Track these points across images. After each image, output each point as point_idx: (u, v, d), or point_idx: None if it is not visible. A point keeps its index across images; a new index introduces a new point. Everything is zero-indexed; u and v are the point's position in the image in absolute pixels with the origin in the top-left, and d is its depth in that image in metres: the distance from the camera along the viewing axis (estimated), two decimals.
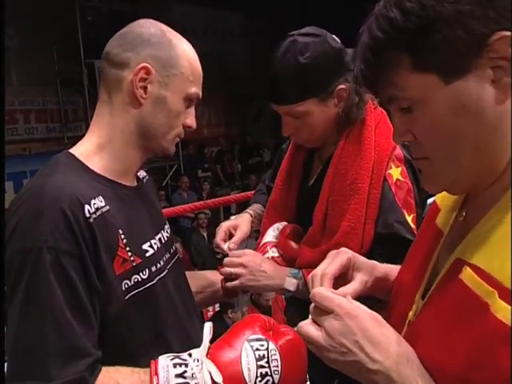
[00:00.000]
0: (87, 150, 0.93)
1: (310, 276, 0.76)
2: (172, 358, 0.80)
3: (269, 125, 8.22)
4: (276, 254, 1.29)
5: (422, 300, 0.69)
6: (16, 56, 7.04)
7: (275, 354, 0.79)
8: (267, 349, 0.79)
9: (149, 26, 0.95)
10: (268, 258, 1.28)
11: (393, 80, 0.60)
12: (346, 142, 1.23)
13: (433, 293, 0.65)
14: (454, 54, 0.55)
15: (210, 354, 0.79)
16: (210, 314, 4.36)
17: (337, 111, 1.21)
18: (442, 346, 0.58)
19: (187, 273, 1.16)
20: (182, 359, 0.79)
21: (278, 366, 0.78)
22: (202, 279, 1.25)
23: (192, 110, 1.01)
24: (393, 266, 0.95)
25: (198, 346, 0.81)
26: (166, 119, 0.95)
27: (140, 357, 0.87)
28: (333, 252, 0.81)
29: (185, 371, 0.77)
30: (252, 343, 0.79)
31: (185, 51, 0.96)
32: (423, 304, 0.67)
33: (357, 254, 0.82)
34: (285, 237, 1.31)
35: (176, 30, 0.99)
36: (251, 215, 1.49)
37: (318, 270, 0.76)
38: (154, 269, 0.95)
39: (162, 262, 0.99)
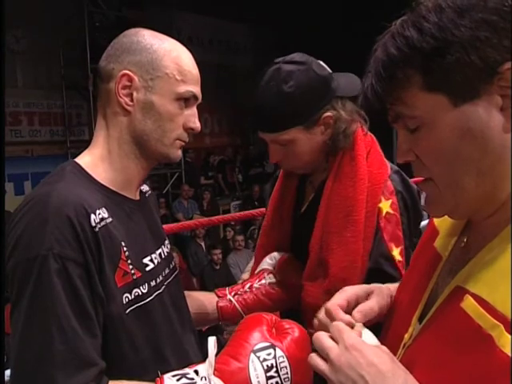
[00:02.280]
0: (91, 161, 0.93)
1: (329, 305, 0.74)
2: (179, 377, 0.78)
3: None
4: (273, 280, 1.27)
5: (418, 323, 0.68)
6: (22, 58, 7.09)
7: (284, 361, 0.77)
8: (275, 357, 0.77)
9: (132, 35, 0.94)
10: (265, 283, 1.27)
11: (402, 97, 0.60)
12: (337, 171, 1.21)
13: (431, 318, 0.65)
14: (465, 78, 0.56)
15: (216, 370, 0.78)
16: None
17: (323, 139, 1.19)
18: (441, 374, 0.58)
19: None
20: (189, 378, 0.77)
21: (287, 373, 0.77)
22: (194, 301, 1.22)
23: (193, 112, 0.97)
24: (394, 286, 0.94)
25: (195, 362, 0.80)
26: (158, 123, 0.93)
27: (138, 373, 0.86)
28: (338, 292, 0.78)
29: None
30: (258, 353, 0.77)
31: (168, 52, 0.93)
32: (421, 328, 0.66)
33: (371, 286, 0.80)
34: (283, 264, 1.30)
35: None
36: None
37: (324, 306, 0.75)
38: (153, 283, 0.94)
39: (161, 277, 0.98)
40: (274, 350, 0.78)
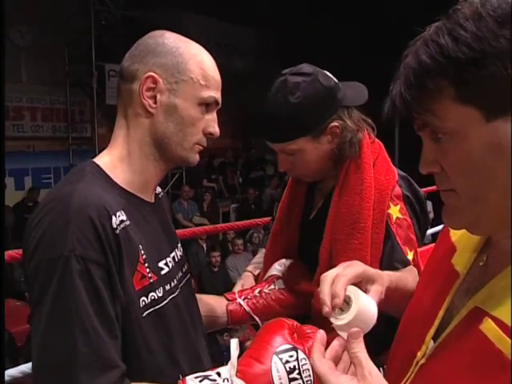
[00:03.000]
0: (109, 162, 0.92)
1: (323, 275, 0.74)
2: (201, 379, 0.77)
3: None
4: (282, 286, 1.28)
5: (433, 342, 0.67)
6: (27, 54, 7.10)
7: (306, 364, 0.77)
8: (297, 359, 0.77)
9: (158, 36, 0.94)
10: (274, 288, 1.28)
11: (432, 108, 0.58)
12: (344, 180, 1.23)
13: (447, 338, 0.63)
14: (500, 92, 0.54)
15: (239, 372, 0.77)
16: None
17: (331, 147, 1.21)
18: None
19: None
20: (211, 379, 0.77)
21: (310, 376, 0.76)
22: (204, 304, 1.21)
23: (213, 117, 0.97)
24: (398, 274, 0.94)
25: (206, 365, 0.79)
26: (180, 127, 0.93)
27: (153, 377, 0.86)
28: (344, 263, 0.79)
29: None
30: (281, 355, 0.77)
31: (193, 56, 0.93)
32: (435, 347, 0.65)
33: (368, 267, 0.81)
34: (291, 270, 1.30)
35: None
36: (253, 273, 1.48)
37: (334, 271, 0.74)
38: (167, 287, 0.94)
39: (175, 281, 0.98)
40: (297, 352, 0.78)
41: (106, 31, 7.44)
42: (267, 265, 1.39)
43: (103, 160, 0.93)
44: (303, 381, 0.75)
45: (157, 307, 0.89)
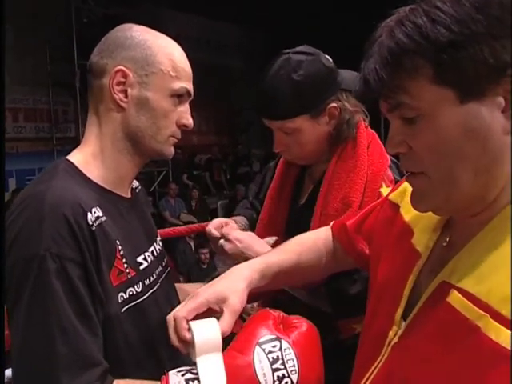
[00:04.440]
0: (83, 159, 0.92)
1: (167, 318, 0.82)
2: (183, 372, 0.76)
3: (258, 136, 8.21)
4: None
5: (403, 321, 0.68)
6: (8, 54, 6.99)
7: (290, 353, 0.75)
8: (280, 349, 0.75)
9: (126, 30, 0.93)
10: None
11: (407, 87, 0.59)
12: (339, 158, 1.25)
13: (417, 315, 0.65)
14: (476, 75, 0.55)
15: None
16: None
17: (328, 129, 1.23)
18: (432, 369, 0.59)
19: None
20: (194, 373, 0.76)
21: (294, 366, 0.74)
22: (186, 294, 1.22)
23: (186, 108, 0.97)
24: (275, 260, 0.97)
25: (187, 360, 0.79)
26: (153, 120, 0.92)
27: (134, 373, 0.86)
28: (189, 296, 0.85)
29: None
30: (263, 346, 0.75)
31: (162, 47, 0.92)
32: (407, 325, 0.67)
33: (225, 292, 0.84)
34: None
35: (169, 37, 0.97)
36: (234, 220, 1.48)
37: (171, 314, 0.81)
38: (147, 282, 0.94)
39: (154, 276, 0.98)
40: (280, 342, 0.76)
41: (87, 29, 7.35)
42: None
43: (76, 157, 0.92)
44: (287, 371, 0.74)
45: (135, 302, 0.89)
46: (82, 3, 7.27)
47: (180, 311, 0.81)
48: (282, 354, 0.75)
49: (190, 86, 0.96)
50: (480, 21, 0.54)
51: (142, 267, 0.94)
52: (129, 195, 1.00)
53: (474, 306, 0.56)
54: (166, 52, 0.93)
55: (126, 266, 0.88)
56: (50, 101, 7.68)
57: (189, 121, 0.97)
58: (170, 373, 0.77)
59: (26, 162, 7.19)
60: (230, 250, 1.24)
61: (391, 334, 0.69)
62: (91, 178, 0.90)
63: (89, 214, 0.82)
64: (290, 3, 8.09)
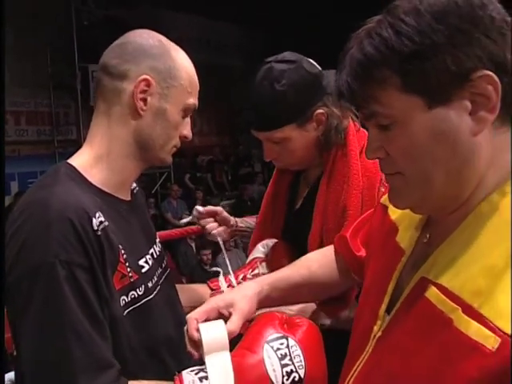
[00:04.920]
0: (86, 162, 0.91)
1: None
2: (196, 371, 0.79)
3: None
4: (266, 271, 1.27)
5: (387, 315, 0.72)
6: (9, 56, 7.01)
7: (296, 350, 0.80)
8: (287, 346, 0.80)
9: (147, 37, 0.94)
10: (258, 273, 1.27)
11: (378, 96, 0.61)
12: (332, 168, 1.24)
13: (399, 309, 0.69)
14: (440, 82, 0.58)
15: (233, 363, 0.79)
16: None
17: (316, 135, 1.21)
18: (411, 360, 0.62)
19: (177, 286, 1.14)
20: (206, 372, 0.78)
21: (301, 361, 0.79)
22: (190, 293, 1.23)
23: (188, 121, 1.00)
24: (279, 275, 1.00)
25: (191, 359, 0.82)
26: (165, 130, 0.94)
27: (137, 375, 0.86)
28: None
29: None
30: (272, 343, 0.80)
31: (183, 62, 0.95)
32: (389, 319, 0.70)
33: (234, 297, 0.89)
34: (277, 253, 1.29)
35: (169, 38, 0.98)
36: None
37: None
38: (150, 284, 0.94)
39: (155, 278, 0.98)
40: (287, 339, 0.80)
41: (87, 32, 7.37)
42: (253, 250, 1.38)
43: (79, 160, 0.92)
44: (295, 366, 0.78)
45: (137, 305, 0.90)
46: (81, 5, 7.28)
47: (192, 313, 0.85)
48: (289, 350, 0.79)
49: (197, 101, 0.99)
50: (441, 31, 0.57)
51: (143, 270, 0.94)
52: (129, 198, 1.00)
53: (448, 300, 0.59)
54: (185, 66, 0.96)
55: (128, 269, 0.89)
56: (52, 103, 7.70)
57: (189, 132, 1.00)
58: (184, 372, 0.79)
59: (27, 165, 7.21)
60: None
61: (376, 328, 0.73)
62: (92, 181, 0.90)
63: (93, 219, 0.82)
64: (289, 3, 8.09)
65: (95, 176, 0.91)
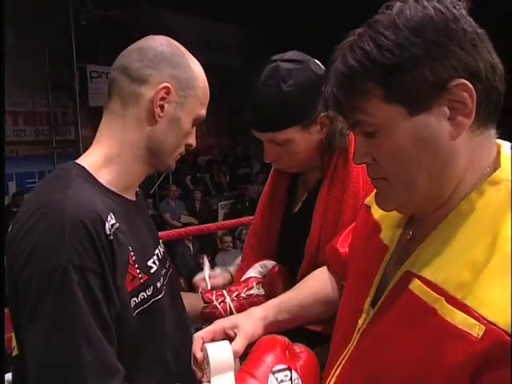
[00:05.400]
0: (95, 163, 0.91)
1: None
2: None
3: (257, 137, 8.16)
4: (262, 292, 1.25)
5: (372, 308, 0.75)
6: (7, 56, 6.99)
7: (298, 383, 0.82)
8: (291, 379, 0.81)
9: (167, 45, 0.95)
10: (253, 294, 1.25)
11: (362, 107, 0.65)
12: (333, 173, 1.21)
13: (384, 302, 0.72)
14: (420, 92, 0.62)
15: None
16: None
17: (319, 138, 1.18)
18: (395, 350, 0.65)
19: None
20: None
21: None
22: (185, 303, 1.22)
23: (194, 130, 1.02)
24: (285, 297, 1.03)
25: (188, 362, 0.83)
26: (177, 138, 0.96)
27: (143, 375, 0.87)
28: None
29: None
30: (276, 375, 0.81)
31: (200, 74, 0.98)
32: (374, 312, 0.73)
33: (238, 319, 0.94)
34: (274, 277, 1.27)
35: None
36: (231, 275, 1.46)
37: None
38: (158, 285, 0.95)
39: (162, 279, 0.99)
40: (291, 372, 0.82)
41: (86, 32, 7.36)
42: (246, 257, 1.37)
43: (88, 161, 0.91)
44: None
45: (146, 305, 0.90)
46: (80, 5, 7.27)
47: (199, 332, 0.90)
48: (292, 383, 0.81)
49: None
50: (418, 44, 0.61)
51: (152, 271, 0.94)
52: (134, 198, 1.01)
53: (431, 291, 0.63)
54: (202, 78, 0.98)
55: (138, 271, 0.89)
56: (50, 104, 7.68)
57: (194, 141, 1.03)
58: None
59: (25, 166, 7.20)
60: None
61: (360, 321, 0.76)
62: (102, 182, 0.90)
63: (106, 223, 0.82)
64: (289, 3, 8.09)
65: (104, 177, 0.91)
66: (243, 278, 1.30)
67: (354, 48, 0.65)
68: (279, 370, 0.81)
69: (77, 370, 0.75)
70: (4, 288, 0.77)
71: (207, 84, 1.00)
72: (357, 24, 0.69)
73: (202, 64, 0.99)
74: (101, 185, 0.89)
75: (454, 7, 0.63)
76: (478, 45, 0.63)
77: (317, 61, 1.19)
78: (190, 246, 6.43)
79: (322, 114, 1.15)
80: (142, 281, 0.89)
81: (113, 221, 0.84)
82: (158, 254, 1.01)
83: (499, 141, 0.70)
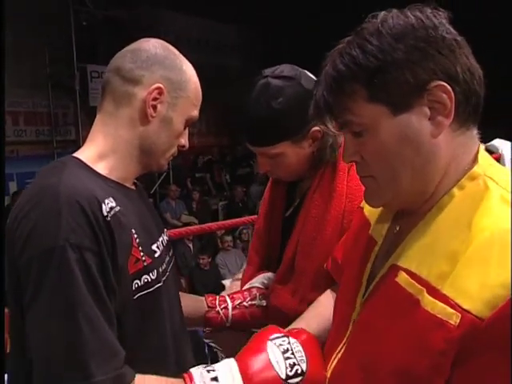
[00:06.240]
0: (90, 157, 0.93)
1: None
2: (203, 367, 0.86)
3: None
4: (263, 303, 1.27)
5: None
6: (7, 56, 6.99)
7: (298, 346, 0.86)
8: (289, 343, 0.86)
9: (161, 47, 0.97)
10: (255, 304, 1.27)
11: (350, 107, 0.70)
12: (319, 184, 1.24)
13: (371, 294, 0.77)
14: (402, 92, 0.67)
15: (237, 361, 0.86)
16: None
17: (311, 151, 1.21)
18: (384, 340, 0.69)
19: None
20: (211, 370, 0.85)
21: (302, 356, 0.85)
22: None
23: (187, 131, 1.04)
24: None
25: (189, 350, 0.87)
26: (168, 138, 0.98)
27: (142, 364, 0.86)
28: None
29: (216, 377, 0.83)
30: (274, 341, 0.86)
31: (192, 76, 1.00)
32: (363, 304, 0.78)
33: None
34: (276, 289, 1.27)
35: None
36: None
37: None
38: (161, 270, 0.96)
39: (165, 265, 1.00)
40: (288, 338, 0.88)
41: (86, 32, 7.36)
42: (251, 261, 1.40)
43: (84, 155, 0.93)
44: (297, 359, 0.84)
45: (150, 289, 0.91)
46: (80, 5, 7.27)
47: None
48: (291, 346, 0.86)
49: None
50: (400, 49, 0.66)
51: (156, 255, 0.96)
52: (133, 187, 1.03)
53: (415, 283, 0.67)
54: (194, 80, 1.00)
55: (142, 254, 0.90)
56: (50, 104, 7.68)
57: (186, 142, 1.05)
58: (191, 369, 0.86)
59: (26, 166, 7.20)
60: None
61: (354, 314, 0.80)
62: (100, 172, 0.92)
63: (103, 205, 0.83)
64: (289, 3, 8.09)
65: (101, 169, 0.93)
66: (247, 287, 1.33)
67: (343, 54, 0.70)
68: (276, 337, 0.87)
69: (78, 350, 0.76)
70: (4, 288, 0.77)
71: (199, 86, 1.02)
72: (357, 24, 0.73)
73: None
74: (99, 174, 0.91)
75: (435, 16, 0.69)
76: (455, 50, 0.67)
77: (308, 73, 1.20)
78: (191, 245, 6.43)
79: (314, 128, 1.17)
80: (145, 264, 0.90)
81: (112, 204, 0.86)
82: (162, 241, 1.03)
83: (501, 141, 0.76)
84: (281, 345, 0.85)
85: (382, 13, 0.71)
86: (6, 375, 0.95)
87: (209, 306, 1.26)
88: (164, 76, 0.95)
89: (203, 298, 1.28)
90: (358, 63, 0.68)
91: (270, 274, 1.33)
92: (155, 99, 0.94)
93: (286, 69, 1.19)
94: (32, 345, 0.78)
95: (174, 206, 7.66)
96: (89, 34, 7.43)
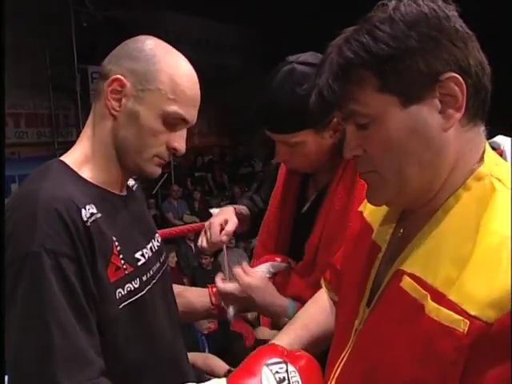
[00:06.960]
0: (76, 160, 0.92)
1: None
2: None
3: (260, 136, 8.18)
4: None
5: (367, 308, 0.76)
6: (8, 57, 6.99)
7: (295, 376, 0.78)
8: (287, 371, 0.78)
9: (140, 41, 0.93)
10: None
11: (356, 96, 0.67)
12: (342, 176, 1.22)
13: (377, 301, 0.73)
14: (414, 82, 0.64)
15: (229, 380, 0.78)
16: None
17: (332, 142, 1.19)
18: (391, 349, 0.66)
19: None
20: None
21: None
22: (184, 300, 1.23)
23: (181, 134, 0.95)
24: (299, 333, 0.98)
25: (183, 357, 0.80)
26: (139, 135, 0.91)
27: (133, 371, 0.86)
28: None
29: None
30: (271, 367, 0.78)
31: (169, 66, 0.90)
32: (369, 312, 0.75)
33: None
34: (281, 276, 1.29)
35: (169, 39, 0.97)
36: (234, 208, 1.46)
37: None
38: (144, 278, 0.94)
39: (151, 272, 0.98)
40: (286, 365, 0.80)
41: (87, 33, 7.37)
42: (259, 255, 1.39)
43: (70, 158, 0.93)
44: None
45: (133, 298, 0.90)
46: (80, 6, 7.26)
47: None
48: (288, 375, 0.78)
49: (187, 111, 0.93)
50: (412, 37, 0.63)
51: (139, 263, 0.94)
52: (124, 193, 1.00)
53: (419, 288, 0.64)
54: (171, 72, 0.90)
55: (122, 262, 0.89)
56: (51, 105, 7.68)
57: (180, 145, 0.95)
58: None
59: (28, 167, 7.19)
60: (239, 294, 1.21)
61: (357, 322, 0.77)
62: (84, 176, 0.91)
63: (83, 210, 0.82)
64: (289, 3, 8.08)
65: (86, 173, 0.91)
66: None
67: (350, 41, 0.67)
68: (274, 363, 0.79)
69: (47, 357, 0.74)
70: (4, 288, 0.77)
71: (184, 80, 0.91)
72: (356, 24, 0.70)
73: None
74: (82, 178, 0.90)
75: (447, 8, 0.66)
76: (468, 43, 0.65)
77: None
78: (192, 245, 6.43)
79: (336, 118, 1.14)
80: (126, 272, 0.89)
81: (93, 210, 0.84)
82: (151, 248, 1.01)
83: (504, 137, 0.74)
84: (277, 372, 0.78)
85: (393, 1, 0.67)
86: (5, 376, 0.95)
87: (213, 300, 1.26)
88: (129, 68, 0.89)
89: (206, 291, 1.29)
90: (368, 50, 0.64)
91: (278, 263, 1.31)
92: (116, 92, 0.89)
93: (311, 56, 1.17)
94: (7, 349, 0.77)
95: (176, 205, 7.66)
96: (89, 35, 7.43)
